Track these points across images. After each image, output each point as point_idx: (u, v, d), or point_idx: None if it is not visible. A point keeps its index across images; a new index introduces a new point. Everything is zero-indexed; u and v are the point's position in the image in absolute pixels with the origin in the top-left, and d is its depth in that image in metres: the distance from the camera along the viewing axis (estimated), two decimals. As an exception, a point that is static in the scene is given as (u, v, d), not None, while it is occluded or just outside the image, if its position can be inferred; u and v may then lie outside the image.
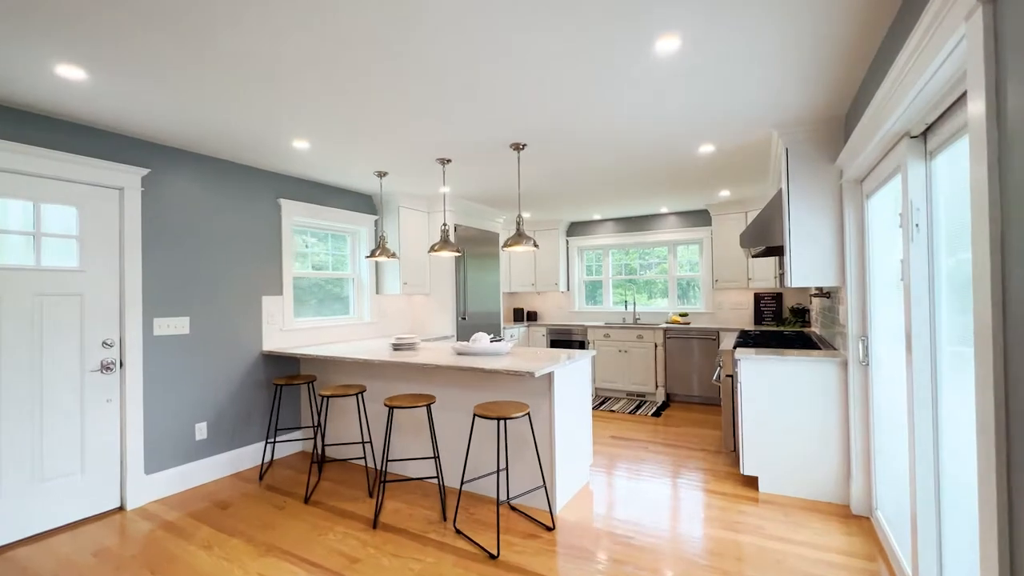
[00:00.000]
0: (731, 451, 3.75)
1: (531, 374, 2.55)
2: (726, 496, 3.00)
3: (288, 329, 3.97)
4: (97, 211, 2.89)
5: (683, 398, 5.57)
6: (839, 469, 2.83)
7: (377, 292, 4.85)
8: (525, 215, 6.20)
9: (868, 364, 2.65)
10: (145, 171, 3.04)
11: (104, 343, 2.92)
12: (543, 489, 2.86)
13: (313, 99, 2.50)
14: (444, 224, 3.68)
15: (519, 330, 6.36)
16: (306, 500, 3.05)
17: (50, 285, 2.71)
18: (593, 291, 6.87)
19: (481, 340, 3.24)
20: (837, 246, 2.85)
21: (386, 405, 2.78)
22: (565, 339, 6.23)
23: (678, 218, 6.18)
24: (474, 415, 2.60)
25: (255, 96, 2.46)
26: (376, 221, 4.88)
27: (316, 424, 3.42)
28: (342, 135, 3.05)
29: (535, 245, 3.25)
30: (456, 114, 2.73)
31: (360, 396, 3.62)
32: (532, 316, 6.94)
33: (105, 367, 2.91)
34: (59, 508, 2.74)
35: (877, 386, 2.59)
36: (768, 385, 3.00)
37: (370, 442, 3.62)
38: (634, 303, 6.32)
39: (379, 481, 3.00)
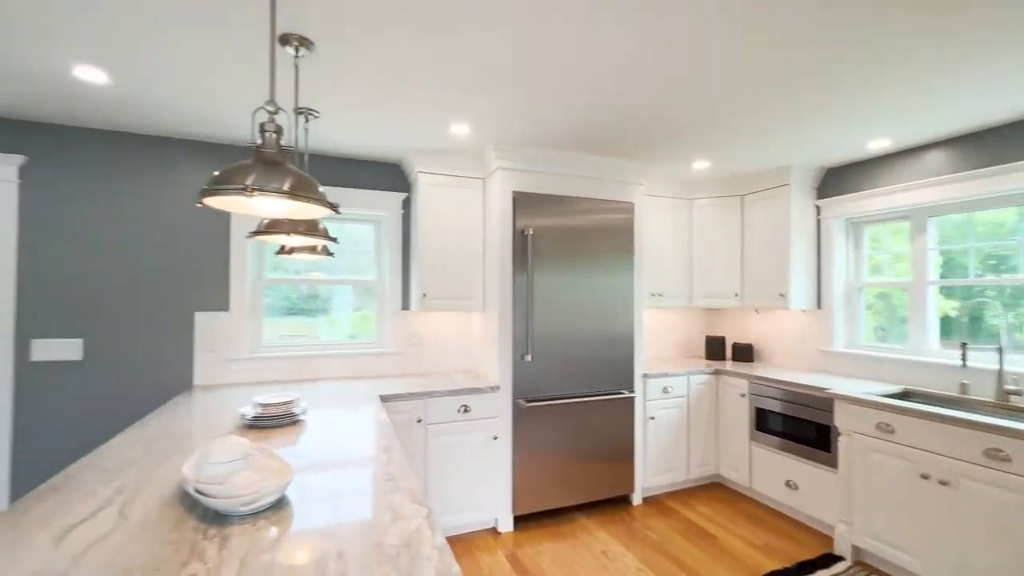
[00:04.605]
0: None
1: None
2: None
3: (242, 359, 2.86)
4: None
5: None
6: None
7: (403, 307, 3.24)
8: (701, 165, 3.28)
9: None
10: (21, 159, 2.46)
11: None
12: None
13: None
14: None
15: (685, 380, 3.39)
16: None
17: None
18: (887, 312, 3.19)
19: (211, 459, 1.24)
20: None
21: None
22: (792, 414, 2.98)
23: None
24: None
25: None
26: (406, 200, 3.27)
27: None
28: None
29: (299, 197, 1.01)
30: None
31: None
32: (745, 353, 3.77)
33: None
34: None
35: None
36: None
37: None
38: (1000, 350, 2.44)
39: None
